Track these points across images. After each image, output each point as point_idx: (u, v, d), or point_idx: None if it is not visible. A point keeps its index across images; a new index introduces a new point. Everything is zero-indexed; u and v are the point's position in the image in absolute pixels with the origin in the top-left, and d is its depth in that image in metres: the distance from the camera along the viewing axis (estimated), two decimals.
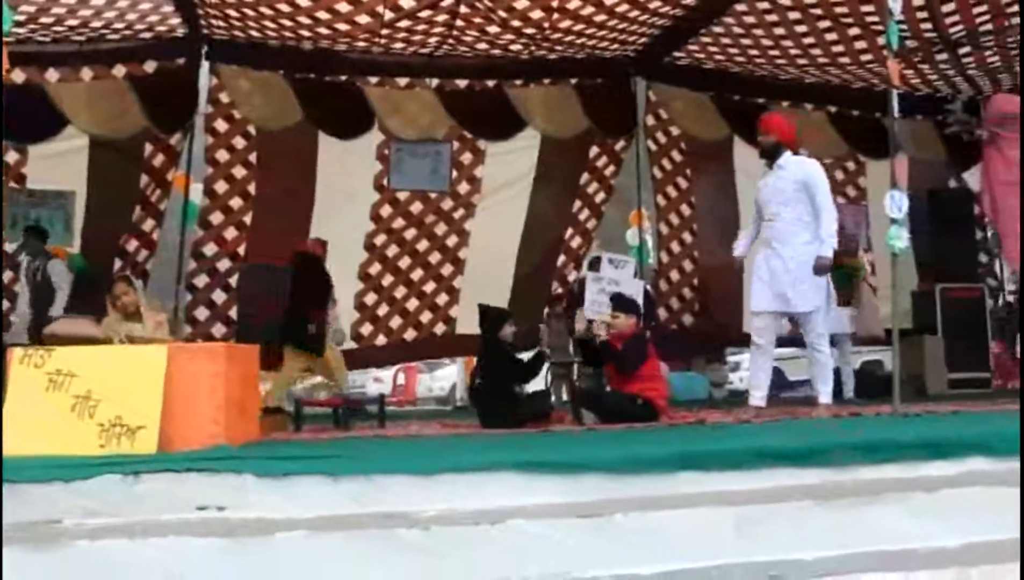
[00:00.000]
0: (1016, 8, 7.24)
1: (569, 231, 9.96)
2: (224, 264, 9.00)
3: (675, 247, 10.05)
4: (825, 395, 5.87)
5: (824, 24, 8.30)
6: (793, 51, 8.92)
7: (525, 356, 6.60)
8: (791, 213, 5.79)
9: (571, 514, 3.14)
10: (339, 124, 9.22)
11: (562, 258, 10.00)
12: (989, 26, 8.16)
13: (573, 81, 9.56)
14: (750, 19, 8.30)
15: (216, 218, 9.03)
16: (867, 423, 5.16)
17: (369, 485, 3.32)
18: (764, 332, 5.88)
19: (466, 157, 9.66)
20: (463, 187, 9.68)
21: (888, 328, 9.26)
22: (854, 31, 8.34)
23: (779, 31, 8.49)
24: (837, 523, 3.27)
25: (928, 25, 8.19)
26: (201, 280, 8.98)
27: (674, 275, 10.04)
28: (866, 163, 10.22)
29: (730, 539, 3.06)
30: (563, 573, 2.82)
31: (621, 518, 3.18)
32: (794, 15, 8.13)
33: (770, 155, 5.98)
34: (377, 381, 19.23)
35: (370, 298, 9.55)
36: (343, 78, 9.22)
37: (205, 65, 8.82)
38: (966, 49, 8.64)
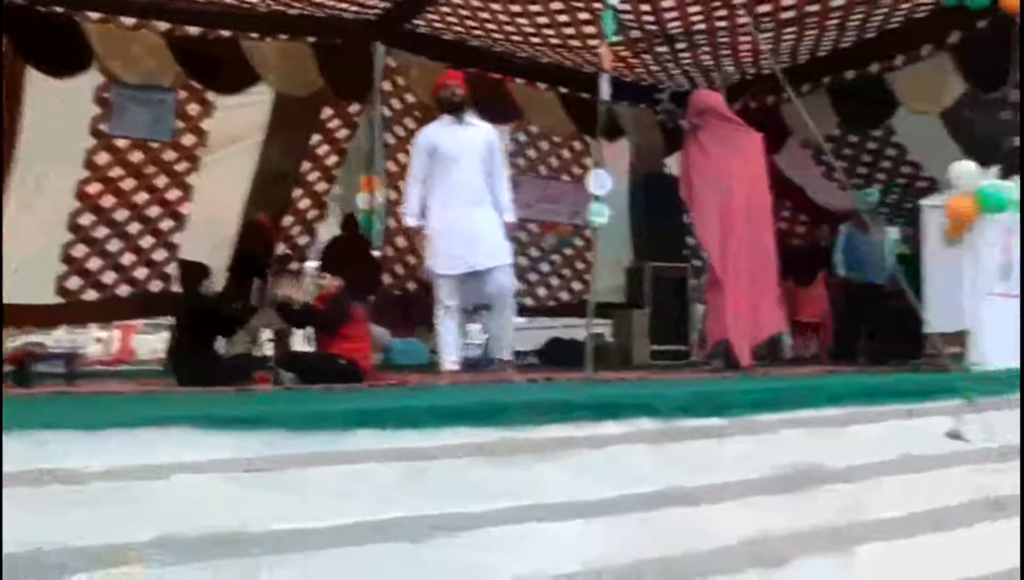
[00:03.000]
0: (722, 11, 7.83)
1: (298, 192, 9.77)
2: None
3: None
4: (508, 353, 6.01)
5: (557, 5, 8.58)
6: (527, 29, 9.16)
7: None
8: (477, 172, 5.86)
9: (243, 469, 3.09)
10: (51, 60, 8.45)
11: (290, 219, 9.79)
12: (703, 26, 8.81)
13: (311, 39, 9.31)
14: None
15: None
16: (552, 387, 5.42)
17: (26, 441, 3.11)
18: (453, 295, 5.89)
19: (193, 108, 9.20)
20: (188, 139, 9.23)
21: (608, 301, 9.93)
22: (584, 15, 8.67)
23: (515, 7, 8.67)
24: (508, 478, 3.44)
25: (651, 18, 8.71)
26: None
27: (400, 241, 10.10)
28: (591, 144, 10.72)
29: (399, 494, 3.13)
30: (236, 527, 2.78)
31: (296, 473, 3.18)
32: None
33: (459, 109, 6.03)
34: (99, 341, 17.99)
35: (79, 250, 8.94)
36: (59, 10, 8.47)
37: None
38: (683, 44, 9.26)
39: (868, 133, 10.25)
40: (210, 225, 9.19)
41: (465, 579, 2.87)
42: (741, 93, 9.95)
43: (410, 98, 10.02)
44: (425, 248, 6.08)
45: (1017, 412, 5.46)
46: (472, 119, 6.09)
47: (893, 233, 9.87)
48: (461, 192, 5.88)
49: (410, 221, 6.10)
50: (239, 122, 9.29)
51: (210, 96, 9.18)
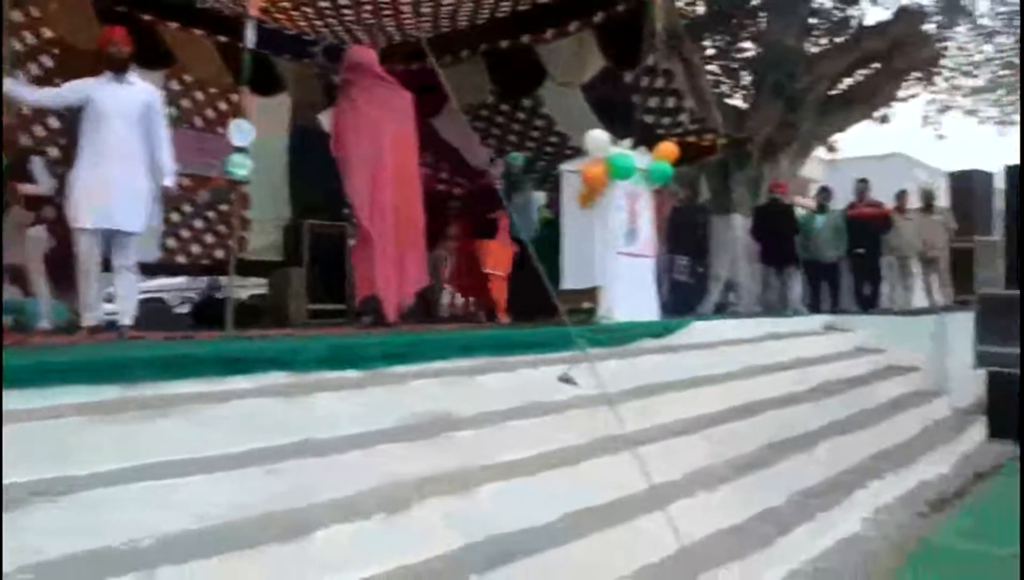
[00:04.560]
0: None
1: None
2: None
3: None
4: (128, 318, 5.80)
5: None
6: None
7: None
8: (134, 133, 5.61)
9: None
10: None
11: None
12: None
13: None
14: None
15: None
16: (181, 344, 5.20)
17: None
18: (91, 250, 5.59)
19: None
20: None
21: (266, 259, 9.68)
22: None
23: None
24: (124, 436, 3.26)
25: None
26: None
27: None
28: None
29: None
30: None
31: None
32: None
33: (122, 67, 5.72)
34: None
35: None
36: None
37: None
38: (345, 1, 9.16)
39: (520, 102, 10.73)
40: None
41: (72, 544, 2.69)
42: (401, 54, 10.04)
43: (48, 33, 9.09)
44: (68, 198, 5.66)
45: (633, 360, 6.05)
46: (132, 77, 5.73)
47: (540, 197, 10.45)
48: (114, 151, 5.58)
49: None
50: None
51: None
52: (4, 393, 3.02)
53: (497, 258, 8.98)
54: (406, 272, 6.87)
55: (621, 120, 9.06)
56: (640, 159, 7.64)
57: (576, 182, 7.39)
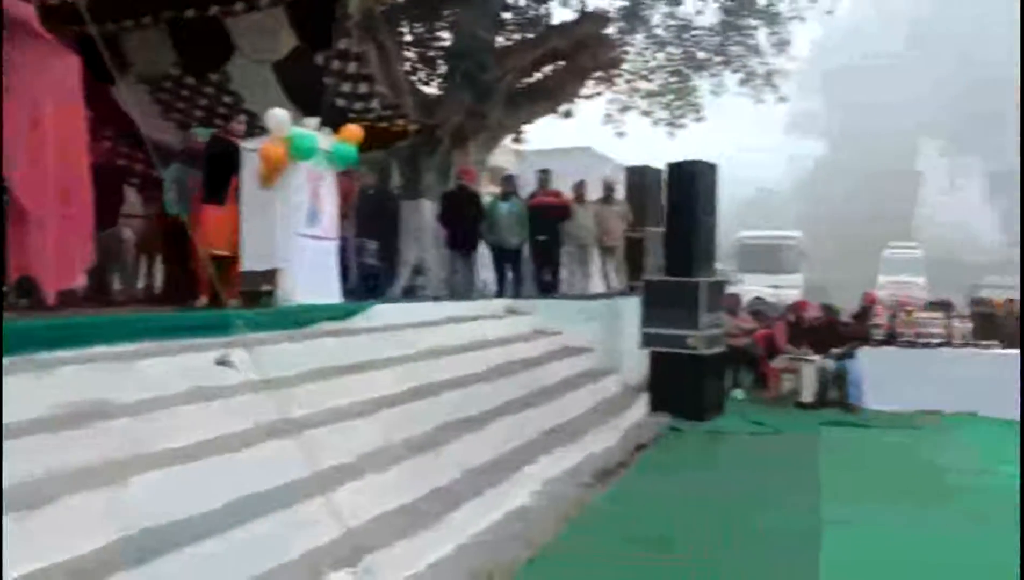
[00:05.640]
0: None
1: None
2: None
3: None
4: None
5: None
6: None
7: None
8: None
9: None
10: None
11: None
12: None
13: None
14: None
15: None
16: None
17: None
18: None
19: None
20: None
21: None
22: None
23: None
24: None
25: None
26: None
27: None
28: None
29: None
30: None
31: None
32: None
33: None
34: None
35: None
36: None
37: None
38: None
39: (206, 76, 10.27)
40: None
41: None
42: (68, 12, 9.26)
43: None
44: None
45: (310, 343, 6.03)
46: None
47: None
48: None
49: None
50: None
51: None
52: None
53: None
54: (68, 251, 6.35)
55: (313, 102, 8.95)
56: (324, 140, 7.58)
57: (256, 161, 7.20)
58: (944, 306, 12.76)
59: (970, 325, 11.57)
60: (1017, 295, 18.76)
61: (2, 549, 2.27)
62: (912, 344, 11.29)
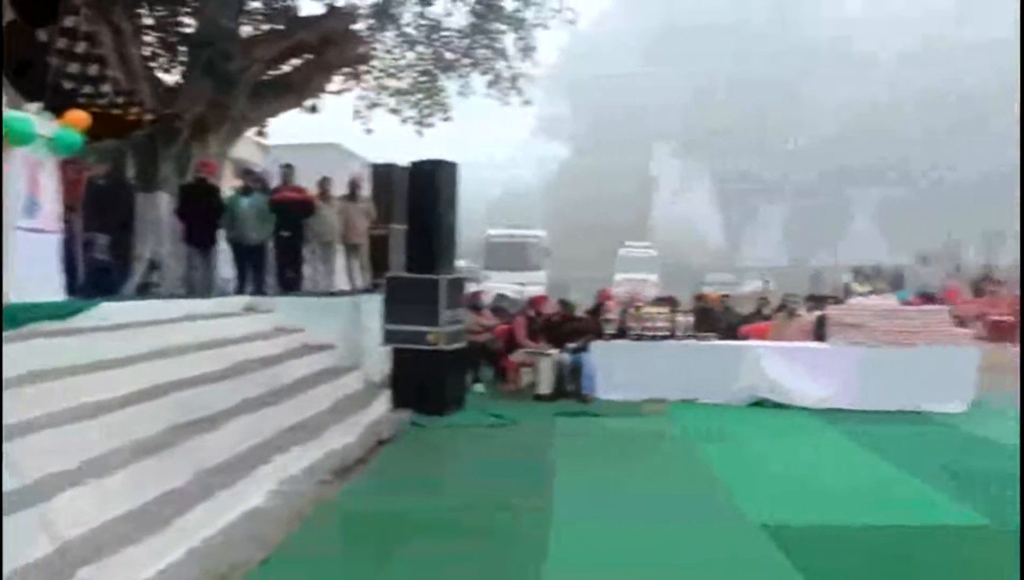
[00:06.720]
0: None
1: None
2: None
3: None
4: None
5: None
6: None
7: None
8: None
9: None
10: None
11: None
12: None
13: None
14: None
15: None
16: None
17: None
18: None
19: None
20: None
21: None
22: None
23: None
24: None
25: None
26: None
27: None
28: None
29: None
30: None
31: None
32: None
33: None
34: None
35: None
36: None
37: None
38: None
39: None
40: None
41: None
42: None
43: None
44: None
45: (26, 344, 5.68)
46: None
47: None
48: None
49: None
50: None
51: None
52: None
53: None
54: None
55: (35, 82, 8.39)
56: (44, 125, 7.10)
57: None
58: (670, 301, 13.68)
59: (692, 319, 12.48)
60: (731, 291, 20.65)
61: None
62: (640, 337, 12.00)
